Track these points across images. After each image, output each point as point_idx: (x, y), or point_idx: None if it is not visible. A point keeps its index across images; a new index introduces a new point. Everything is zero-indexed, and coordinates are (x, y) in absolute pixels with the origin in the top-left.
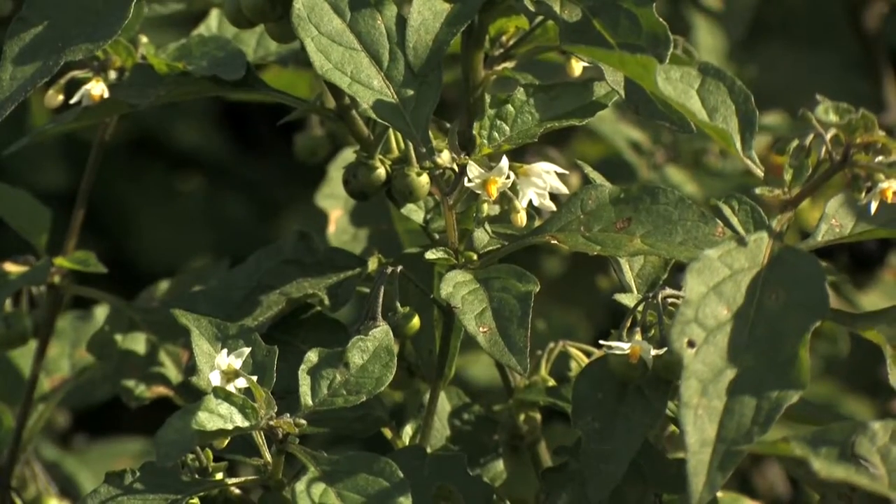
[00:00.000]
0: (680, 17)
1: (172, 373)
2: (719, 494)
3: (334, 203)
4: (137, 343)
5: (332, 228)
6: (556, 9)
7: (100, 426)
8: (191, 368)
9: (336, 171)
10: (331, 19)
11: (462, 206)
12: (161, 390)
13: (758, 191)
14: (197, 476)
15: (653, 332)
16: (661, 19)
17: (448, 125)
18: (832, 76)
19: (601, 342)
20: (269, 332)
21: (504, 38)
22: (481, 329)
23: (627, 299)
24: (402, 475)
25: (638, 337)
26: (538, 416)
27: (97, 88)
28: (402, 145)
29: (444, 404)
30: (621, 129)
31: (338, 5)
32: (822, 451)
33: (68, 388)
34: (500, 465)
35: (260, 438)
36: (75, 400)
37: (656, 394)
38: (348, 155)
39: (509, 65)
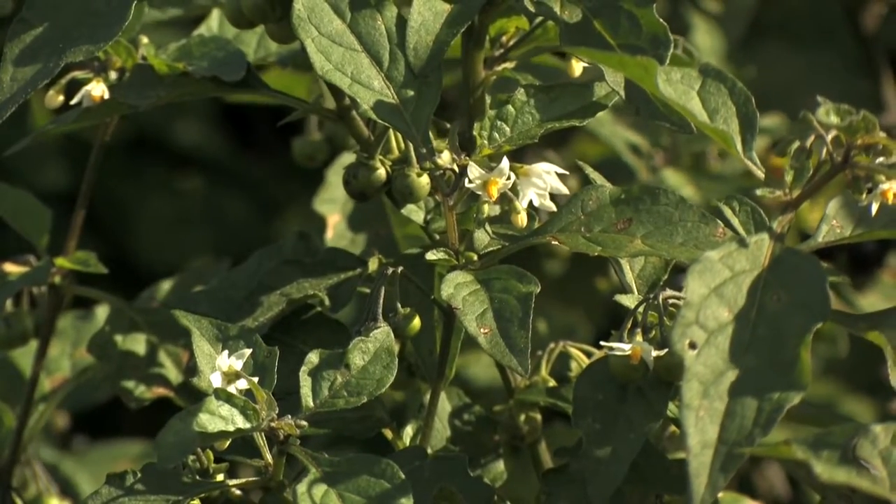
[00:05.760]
0: (678, 17)
1: (173, 373)
2: (719, 495)
3: (332, 208)
4: (138, 343)
5: (330, 234)
6: (557, 9)
7: (99, 428)
8: (191, 369)
9: (334, 176)
10: (331, 20)
11: (462, 207)
12: (161, 391)
13: (759, 192)
14: (198, 477)
15: (654, 333)
16: (661, 20)
17: (448, 126)
18: (831, 77)
19: (602, 343)
20: (270, 332)
21: (504, 39)
22: (482, 330)
23: (628, 300)
24: (403, 477)
25: (639, 338)
26: (538, 417)
27: (98, 89)
28: (403, 146)
29: (444, 405)
30: (619, 131)
31: (338, 6)
32: (823, 455)
33: (69, 388)
34: (500, 465)
35: (261, 440)
36: (75, 401)
37: (657, 395)
38: (346, 159)
39: (509, 65)
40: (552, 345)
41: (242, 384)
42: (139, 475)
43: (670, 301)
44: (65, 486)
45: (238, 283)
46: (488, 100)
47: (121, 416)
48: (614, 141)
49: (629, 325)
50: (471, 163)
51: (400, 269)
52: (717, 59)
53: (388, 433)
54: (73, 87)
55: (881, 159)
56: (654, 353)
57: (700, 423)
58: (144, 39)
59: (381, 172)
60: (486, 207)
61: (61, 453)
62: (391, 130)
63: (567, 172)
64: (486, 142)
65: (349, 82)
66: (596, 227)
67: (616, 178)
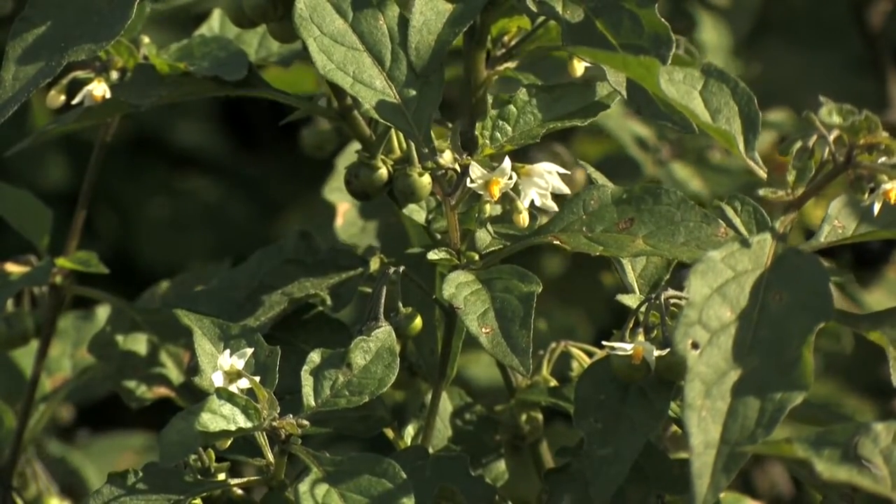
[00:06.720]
0: (684, 14)
1: (174, 373)
2: (721, 495)
3: (342, 196)
4: (139, 344)
5: (339, 221)
6: (559, 9)
7: (103, 420)
8: (192, 368)
9: (344, 164)
10: (333, 19)
11: (464, 207)
12: (162, 391)
13: (761, 192)
14: (199, 476)
15: (655, 333)
16: (663, 20)
17: (450, 125)
18: (835, 74)
19: (604, 343)
20: (271, 332)
21: (506, 38)
22: (484, 330)
23: (630, 300)
24: (405, 476)
25: (641, 338)
26: (540, 416)
27: (99, 89)
28: (404, 145)
29: (445, 404)
30: (627, 124)
31: (340, 5)
32: (824, 453)
33: (69, 387)
34: (501, 465)
35: (262, 439)
36: (77, 395)
37: (659, 395)
38: (356, 147)
39: (511, 65)
40: (553, 344)
41: (244, 383)
42: (141, 474)
43: (672, 301)
44: (71, 478)
45: (239, 282)
46: (490, 99)
47: (122, 408)
48: (621, 134)
49: (631, 325)
50: (472, 162)
51: (401, 268)
52: (724, 55)
53: (390, 433)
54: (75, 87)
55: (884, 159)
56: (656, 353)
57: (703, 423)
58: (146, 39)
59: (383, 172)
60: (487, 207)
61: (67, 446)
62: (393, 130)
63: (569, 172)
64: (487, 141)
65: (351, 82)
66: (598, 226)
67: (619, 174)
